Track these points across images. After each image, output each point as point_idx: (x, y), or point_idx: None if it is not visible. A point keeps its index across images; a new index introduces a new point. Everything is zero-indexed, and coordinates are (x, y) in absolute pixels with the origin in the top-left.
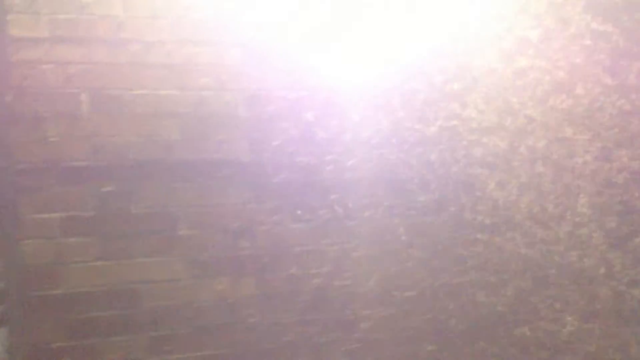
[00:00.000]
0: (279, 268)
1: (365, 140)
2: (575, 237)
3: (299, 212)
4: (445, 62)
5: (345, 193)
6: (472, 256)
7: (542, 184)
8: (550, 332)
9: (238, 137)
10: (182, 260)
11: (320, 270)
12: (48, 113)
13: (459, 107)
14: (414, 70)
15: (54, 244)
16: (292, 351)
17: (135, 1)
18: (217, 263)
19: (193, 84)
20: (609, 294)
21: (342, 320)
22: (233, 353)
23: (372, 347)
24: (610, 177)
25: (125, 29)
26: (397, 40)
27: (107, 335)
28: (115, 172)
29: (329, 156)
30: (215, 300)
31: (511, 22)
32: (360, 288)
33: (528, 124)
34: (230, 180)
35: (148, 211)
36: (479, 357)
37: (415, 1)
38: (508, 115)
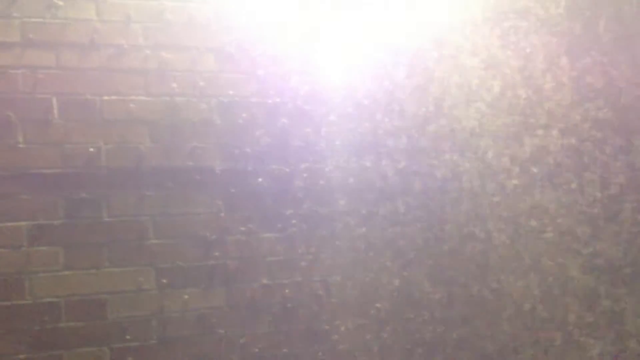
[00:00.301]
0: (250, 278)
1: (339, 148)
2: (554, 244)
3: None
4: (422, 67)
5: (319, 202)
6: (446, 267)
7: (517, 194)
8: (530, 342)
9: (211, 144)
10: (151, 270)
11: (292, 280)
12: (17, 118)
13: (435, 114)
14: (389, 77)
15: (20, 253)
16: None
17: (109, 5)
18: (186, 273)
19: (166, 90)
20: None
21: (314, 331)
22: None
23: (343, 358)
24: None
25: (98, 34)
26: (373, 47)
27: (73, 346)
28: (85, 180)
29: (303, 164)
30: (183, 310)
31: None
32: (333, 298)
33: (508, 129)
34: (202, 188)
35: (117, 219)
36: None
37: (389, 6)
38: (488, 121)
